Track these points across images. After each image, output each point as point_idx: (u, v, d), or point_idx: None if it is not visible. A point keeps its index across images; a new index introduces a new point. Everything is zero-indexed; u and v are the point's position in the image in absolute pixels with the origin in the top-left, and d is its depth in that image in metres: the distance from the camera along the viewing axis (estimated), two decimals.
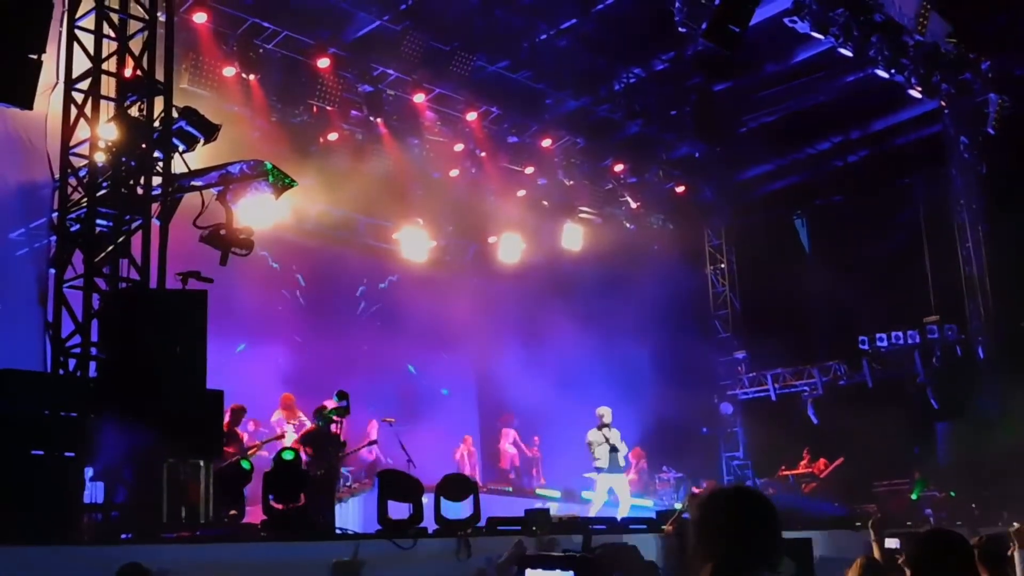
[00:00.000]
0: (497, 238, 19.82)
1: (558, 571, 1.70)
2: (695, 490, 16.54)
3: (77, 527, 7.86)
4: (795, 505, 15.32)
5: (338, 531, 10.19)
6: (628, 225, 21.09)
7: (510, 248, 19.56)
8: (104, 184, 9.67)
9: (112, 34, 10.06)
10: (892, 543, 8.87)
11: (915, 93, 17.42)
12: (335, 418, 11.92)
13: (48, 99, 9.50)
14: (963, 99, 18.03)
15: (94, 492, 8.31)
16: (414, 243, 18.71)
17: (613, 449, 14.58)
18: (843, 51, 15.79)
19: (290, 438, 13.70)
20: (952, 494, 16.10)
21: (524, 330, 18.37)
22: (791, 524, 10.80)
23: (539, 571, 1.70)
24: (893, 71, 16.49)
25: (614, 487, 14.73)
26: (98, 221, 9.54)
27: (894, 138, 19.83)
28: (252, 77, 14.88)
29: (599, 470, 14.65)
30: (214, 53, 14.29)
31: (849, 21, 15.37)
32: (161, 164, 9.98)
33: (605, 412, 14.82)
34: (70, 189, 9.72)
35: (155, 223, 9.78)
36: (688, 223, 21.94)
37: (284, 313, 17.33)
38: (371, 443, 15.18)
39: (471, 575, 9.05)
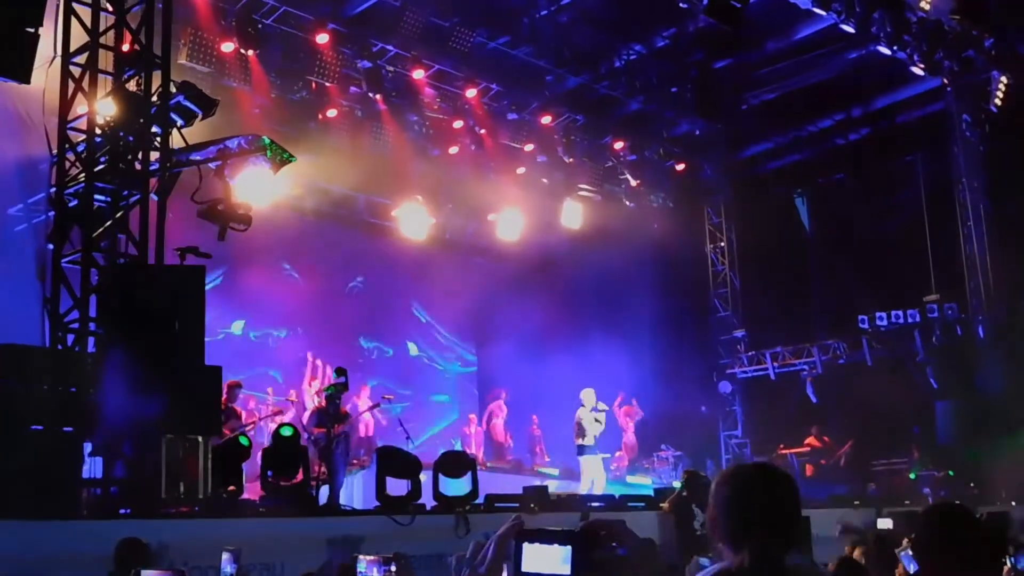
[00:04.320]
0: (497, 215, 19.76)
1: (556, 545, 1.69)
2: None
3: (76, 502, 7.88)
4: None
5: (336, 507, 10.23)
6: (628, 203, 21.02)
7: (510, 225, 19.51)
8: (102, 159, 9.63)
9: (110, 7, 9.99)
10: (886, 523, 8.90)
11: (917, 70, 17.30)
12: (334, 395, 11.94)
13: (46, 73, 9.44)
14: (966, 76, 17.91)
15: (93, 467, 8.33)
16: (413, 220, 18.66)
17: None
18: (845, 27, 15.67)
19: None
20: (951, 473, 16.13)
21: (523, 308, 18.34)
22: None
23: (537, 545, 1.69)
24: (895, 48, 16.37)
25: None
26: (96, 196, 9.50)
27: (896, 116, 19.72)
28: (251, 53, 14.78)
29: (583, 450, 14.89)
30: (213, 28, 14.19)
31: None
32: (159, 139, 9.93)
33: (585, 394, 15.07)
34: (68, 164, 9.68)
35: (153, 198, 9.74)
36: (688, 201, 21.88)
37: (282, 289, 17.30)
38: (374, 406, 15.24)
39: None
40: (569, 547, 1.71)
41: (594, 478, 14.84)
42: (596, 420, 14.83)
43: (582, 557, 1.70)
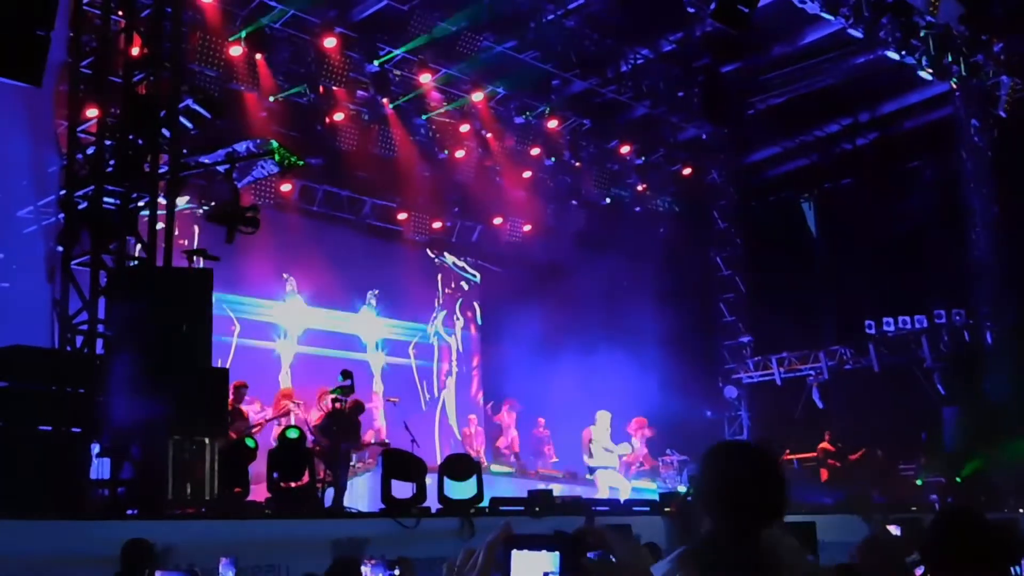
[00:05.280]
0: (502, 219, 19.79)
1: (544, 551, 1.71)
2: None
3: (83, 502, 7.92)
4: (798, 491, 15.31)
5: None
6: (634, 207, 21.03)
7: (515, 229, 19.52)
8: (111, 162, 9.69)
9: (120, 11, 10.06)
10: (894, 530, 8.86)
11: (926, 75, 17.27)
12: (339, 398, 11.98)
13: (56, 76, 9.51)
14: (974, 81, 17.88)
15: (100, 468, 8.37)
16: (419, 224, 18.68)
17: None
18: (853, 32, 15.67)
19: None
20: (958, 480, 16.08)
21: (528, 311, 18.35)
22: (794, 508, 10.80)
23: (525, 552, 1.72)
24: (904, 53, 16.35)
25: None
26: (105, 199, 9.57)
27: (904, 121, 19.68)
28: (259, 56, 14.85)
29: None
30: (221, 32, 14.26)
31: (860, 1, 15.26)
32: (168, 142, 9.98)
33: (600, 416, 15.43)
34: (78, 167, 9.74)
35: (162, 201, 9.80)
36: (695, 206, 21.84)
37: (286, 293, 17.34)
38: (383, 443, 15.20)
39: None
40: (557, 553, 1.73)
41: (617, 487, 15.12)
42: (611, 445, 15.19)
43: (571, 563, 1.72)
